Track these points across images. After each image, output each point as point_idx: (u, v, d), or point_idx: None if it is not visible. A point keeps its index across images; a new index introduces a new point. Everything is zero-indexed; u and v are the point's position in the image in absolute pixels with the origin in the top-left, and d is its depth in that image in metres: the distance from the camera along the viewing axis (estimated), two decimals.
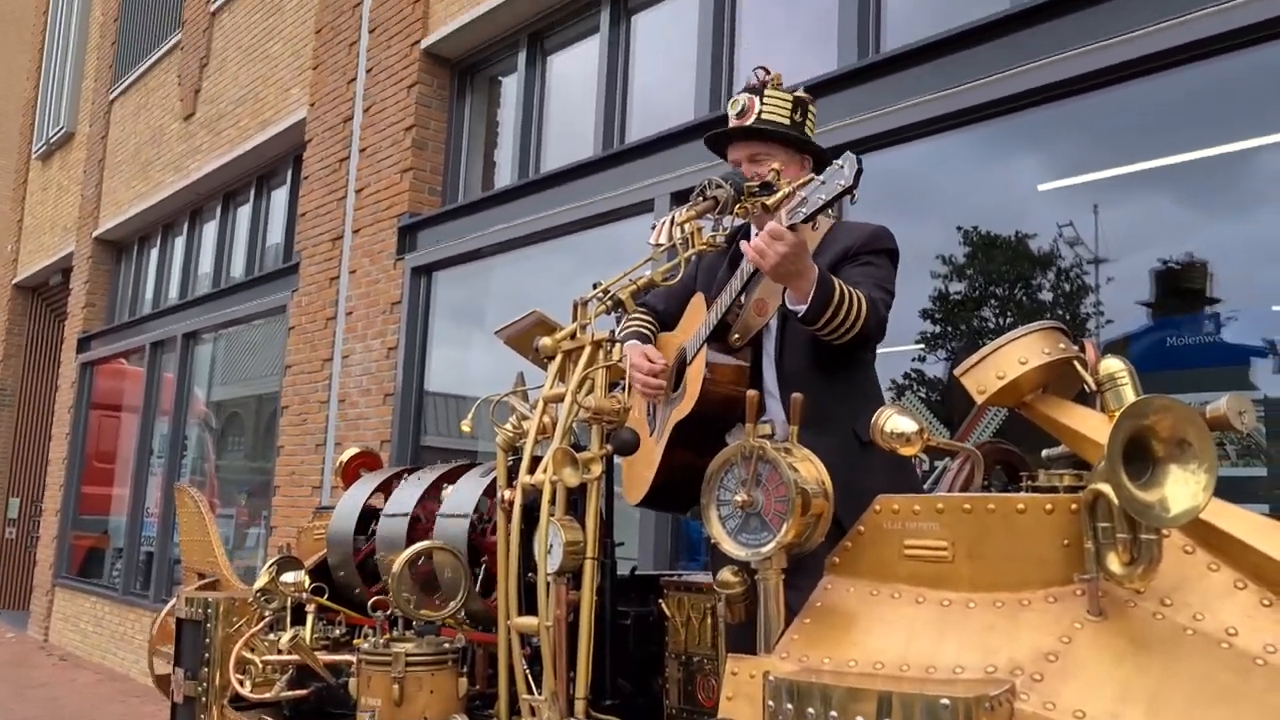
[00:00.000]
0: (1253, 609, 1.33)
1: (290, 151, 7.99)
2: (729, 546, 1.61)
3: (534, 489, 2.19)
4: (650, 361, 2.40)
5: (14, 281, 13.22)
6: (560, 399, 2.21)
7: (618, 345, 2.34)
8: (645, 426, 2.50)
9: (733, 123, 2.45)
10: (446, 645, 2.38)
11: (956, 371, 1.65)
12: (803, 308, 2.12)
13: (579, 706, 2.05)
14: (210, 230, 9.36)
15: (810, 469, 1.59)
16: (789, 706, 1.30)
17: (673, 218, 2.28)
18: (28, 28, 14.68)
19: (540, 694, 2.11)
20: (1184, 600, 1.35)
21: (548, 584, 2.09)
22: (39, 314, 13.44)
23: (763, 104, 2.41)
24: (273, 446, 7.19)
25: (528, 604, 2.21)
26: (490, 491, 2.72)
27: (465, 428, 2.62)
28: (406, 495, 2.99)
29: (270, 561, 3.01)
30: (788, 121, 2.42)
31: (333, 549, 3.24)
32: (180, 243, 9.83)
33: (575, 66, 5.85)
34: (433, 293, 6.24)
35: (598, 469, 2.13)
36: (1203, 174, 3.35)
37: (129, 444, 10.02)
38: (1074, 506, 1.38)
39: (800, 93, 2.48)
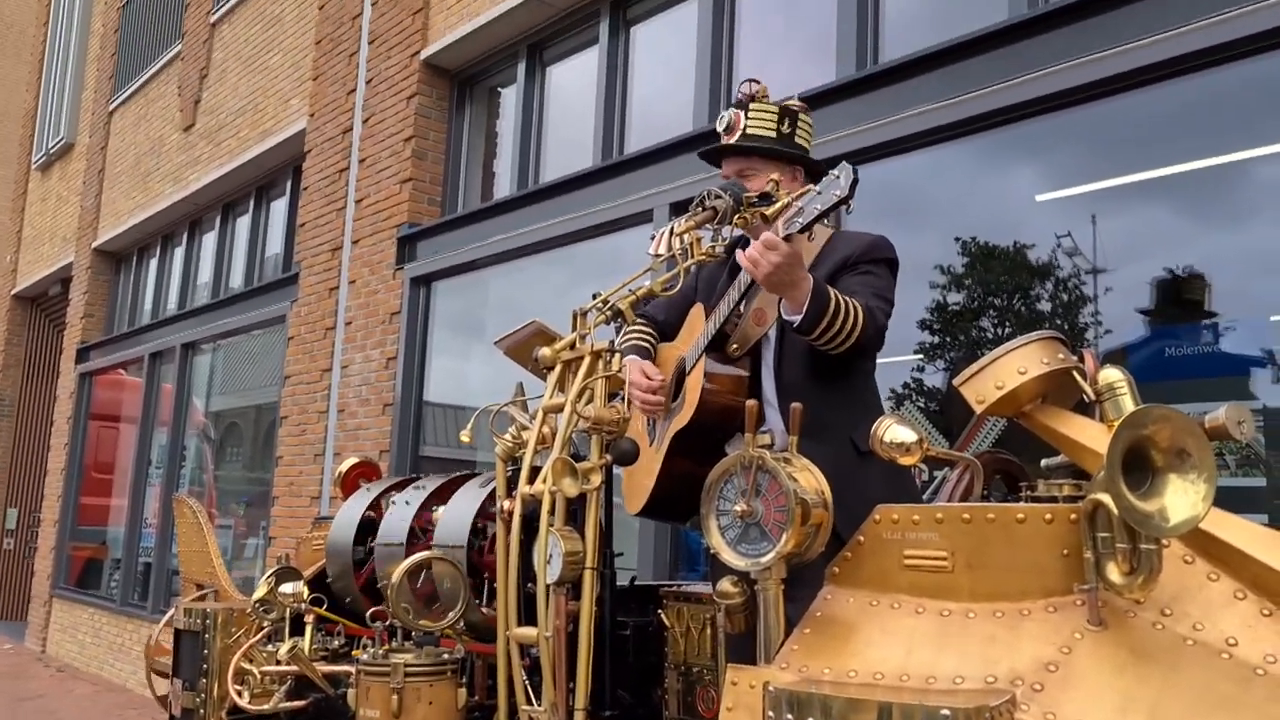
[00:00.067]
0: (1253, 619, 1.33)
1: (290, 162, 8.01)
2: (728, 556, 1.61)
3: (533, 499, 2.19)
4: (648, 378, 2.39)
5: (13, 292, 13.22)
6: (560, 409, 2.21)
7: (617, 355, 2.34)
8: (645, 436, 2.49)
9: (722, 139, 2.46)
10: (445, 656, 2.38)
11: (956, 381, 1.65)
12: (798, 318, 2.12)
13: (578, 717, 2.05)
14: (210, 241, 9.36)
15: (810, 479, 1.59)
16: (789, 717, 1.30)
17: (672, 228, 2.28)
18: (28, 39, 14.71)
19: (540, 705, 2.11)
20: (1184, 610, 1.35)
21: (547, 594, 2.09)
22: (38, 324, 13.43)
23: (748, 119, 2.41)
24: (271, 457, 7.18)
25: (527, 614, 2.21)
26: (484, 511, 2.71)
27: (464, 438, 2.62)
28: (397, 520, 2.97)
29: (269, 572, 3.01)
30: (774, 134, 2.41)
31: (331, 560, 3.23)
32: (179, 253, 9.83)
33: (574, 77, 5.86)
34: (432, 303, 6.24)
35: (597, 479, 2.14)
36: (1200, 185, 3.36)
37: (127, 454, 10.00)
38: (1073, 516, 1.38)
39: (792, 102, 2.48)
